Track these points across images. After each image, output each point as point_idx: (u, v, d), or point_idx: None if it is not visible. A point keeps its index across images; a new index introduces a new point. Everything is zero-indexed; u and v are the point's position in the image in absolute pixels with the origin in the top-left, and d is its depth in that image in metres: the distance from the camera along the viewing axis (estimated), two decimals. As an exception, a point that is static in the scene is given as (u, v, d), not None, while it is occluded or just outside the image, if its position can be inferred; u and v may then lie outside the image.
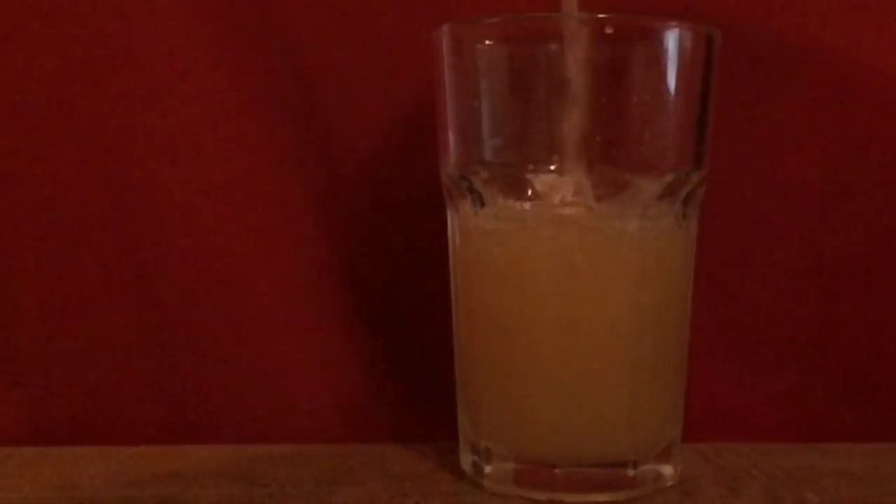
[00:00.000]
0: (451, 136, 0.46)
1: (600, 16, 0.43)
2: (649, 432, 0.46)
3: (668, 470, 0.46)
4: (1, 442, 0.54)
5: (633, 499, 0.45)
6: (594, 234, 0.44)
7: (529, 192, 0.44)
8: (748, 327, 0.56)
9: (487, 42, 0.45)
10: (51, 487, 0.47)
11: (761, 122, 0.55)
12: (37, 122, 0.55)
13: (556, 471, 0.45)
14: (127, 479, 0.48)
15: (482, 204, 0.45)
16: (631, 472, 0.45)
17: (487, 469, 0.46)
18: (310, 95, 0.55)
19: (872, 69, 0.54)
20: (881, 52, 0.54)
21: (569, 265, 0.44)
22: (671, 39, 0.44)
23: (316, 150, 0.55)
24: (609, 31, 0.43)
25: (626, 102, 0.44)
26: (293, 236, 0.55)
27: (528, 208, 0.44)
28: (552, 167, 0.44)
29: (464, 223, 0.46)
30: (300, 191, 0.55)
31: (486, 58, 0.45)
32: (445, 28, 0.45)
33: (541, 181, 0.44)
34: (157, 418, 0.55)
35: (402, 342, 0.56)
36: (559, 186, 0.44)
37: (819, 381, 0.56)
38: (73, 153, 0.55)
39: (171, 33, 0.54)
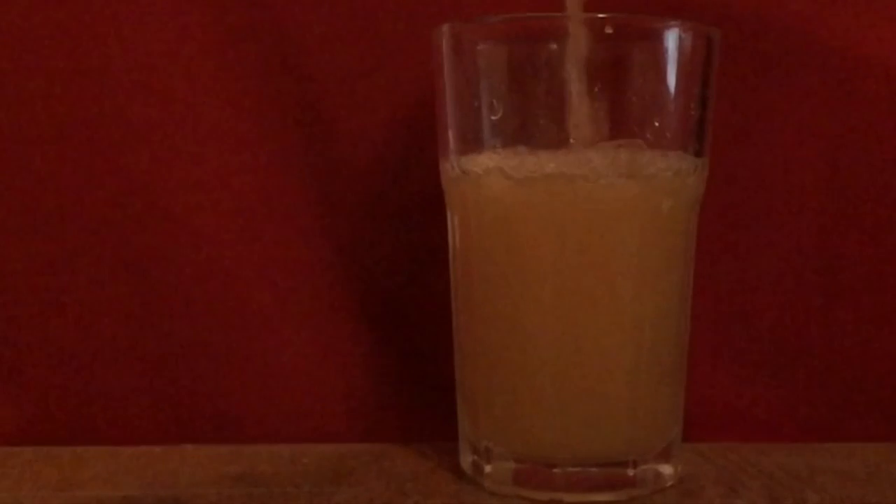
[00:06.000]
0: (451, 136, 0.46)
1: (600, 16, 0.43)
2: (649, 432, 0.46)
3: (668, 470, 0.46)
4: (1, 442, 0.54)
5: (633, 499, 0.45)
6: (595, 213, 0.44)
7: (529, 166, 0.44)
8: (748, 327, 0.56)
9: (487, 42, 0.45)
10: (51, 487, 0.47)
11: (761, 122, 0.55)
12: (36, 124, 0.55)
13: (556, 471, 0.45)
14: (127, 479, 0.48)
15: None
16: (631, 472, 0.45)
17: (487, 469, 0.46)
18: (310, 95, 0.55)
19: (873, 68, 0.54)
20: (882, 51, 0.54)
21: (568, 245, 0.44)
22: (671, 39, 0.44)
23: (316, 149, 0.55)
24: (609, 31, 0.43)
25: (626, 102, 0.44)
26: (293, 236, 0.55)
27: (528, 180, 0.44)
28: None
29: (463, 215, 0.46)
30: (300, 191, 0.55)
31: (486, 58, 0.45)
32: (445, 28, 0.45)
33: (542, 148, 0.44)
34: (157, 418, 0.55)
35: (403, 342, 0.56)
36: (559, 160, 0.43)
37: (819, 381, 0.56)
38: (74, 154, 0.55)
39: (170, 33, 0.54)
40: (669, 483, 0.46)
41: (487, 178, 0.44)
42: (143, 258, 0.55)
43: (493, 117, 0.44)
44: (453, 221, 0.47)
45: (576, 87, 0.43)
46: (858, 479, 0.48)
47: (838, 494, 0.45)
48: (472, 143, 0.45)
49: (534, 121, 0.44)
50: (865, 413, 0.55)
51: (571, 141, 0.43)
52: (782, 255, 0.55)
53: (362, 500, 0.44)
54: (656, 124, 0.44)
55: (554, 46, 0.43)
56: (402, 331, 0.56)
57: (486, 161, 0.44)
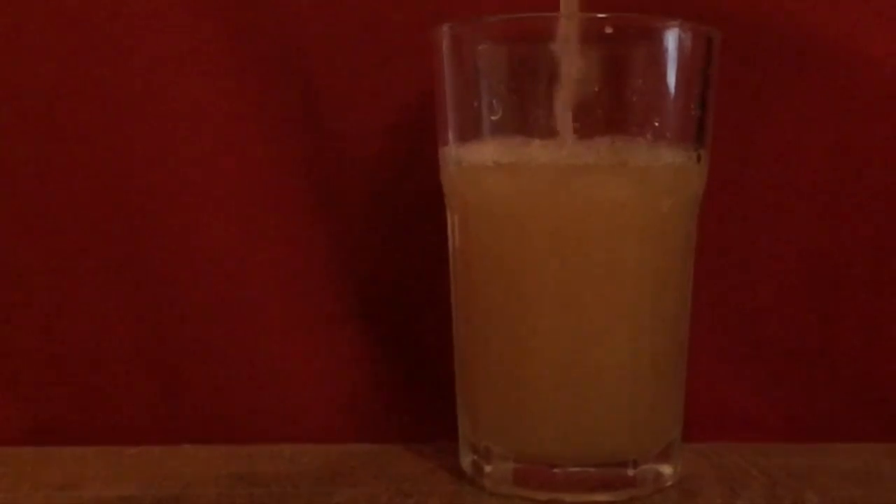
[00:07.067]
0: (451, 136, 0.46)
1: (600, 16, 0.43)
2: (649, 432, 0.46)
3: (668, 470, 0.46)
4: (1, 442, 0.54)
5: (633, 499, 0.45)
6: (595, 212, 0.44)
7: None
8: (748, 327, 0.56)
9: (487, 42, 0.45)
10: (51, 487, 0.47)
11: (762, 122, 0.55)
12: (37, 125, 0.55)
13: (556, 471, 0.45)
14: (127, 479, 0.48)
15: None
16: (631, 472, 0.45)
17: (487, 469, 0.46)
18: (310, 96, 0.55)
19: (874, 68, 0.54)
20: (882, 52, 0.54)
21: (568, 244, 0.44)
22: (671, 39, 0.44)
23: (316, 150, 0.55)
24: (609, 31, 0.43)
25: (626, 102, 0.44)
26: (293, 236, 0.55)
27: (527, 178, 0.44)
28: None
29: (463, 214, 0.46)
30: (299, 191, 0.55)
31: (486, 58, 0.45)
32: (445, 28, 0.45)
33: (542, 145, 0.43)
34: (157, 418, 0.55)
35: (403, 342, 0.56)
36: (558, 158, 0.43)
37: (819, 381, 0.56)
38: (73, 154, 0.55)
39: (171, 34, 0.54)
40: (669, 483, 0.46)
41: (487, 176, 0.44)
42: (143, 259, 0.55)
43: (492, 117, 0.44)
44: (453, 220, 0.47)
45: (565, 86, 0.43)
46: (858, 479, 0.48)
47: (838, 494, 0.45)
48: (471, 142, 0.45)
49: (533, 120, 0.44)
50: (865, 413, 0.55)
51: (570, 139, 0.43)
52: (782, 255, 0.55)
53: (362, 500, 0.44)
54: (656, 124, 0.44)
55: (554, 46, 0.43)
56: (402, 331, 0.56)
57: (485, 160, 0.44)
